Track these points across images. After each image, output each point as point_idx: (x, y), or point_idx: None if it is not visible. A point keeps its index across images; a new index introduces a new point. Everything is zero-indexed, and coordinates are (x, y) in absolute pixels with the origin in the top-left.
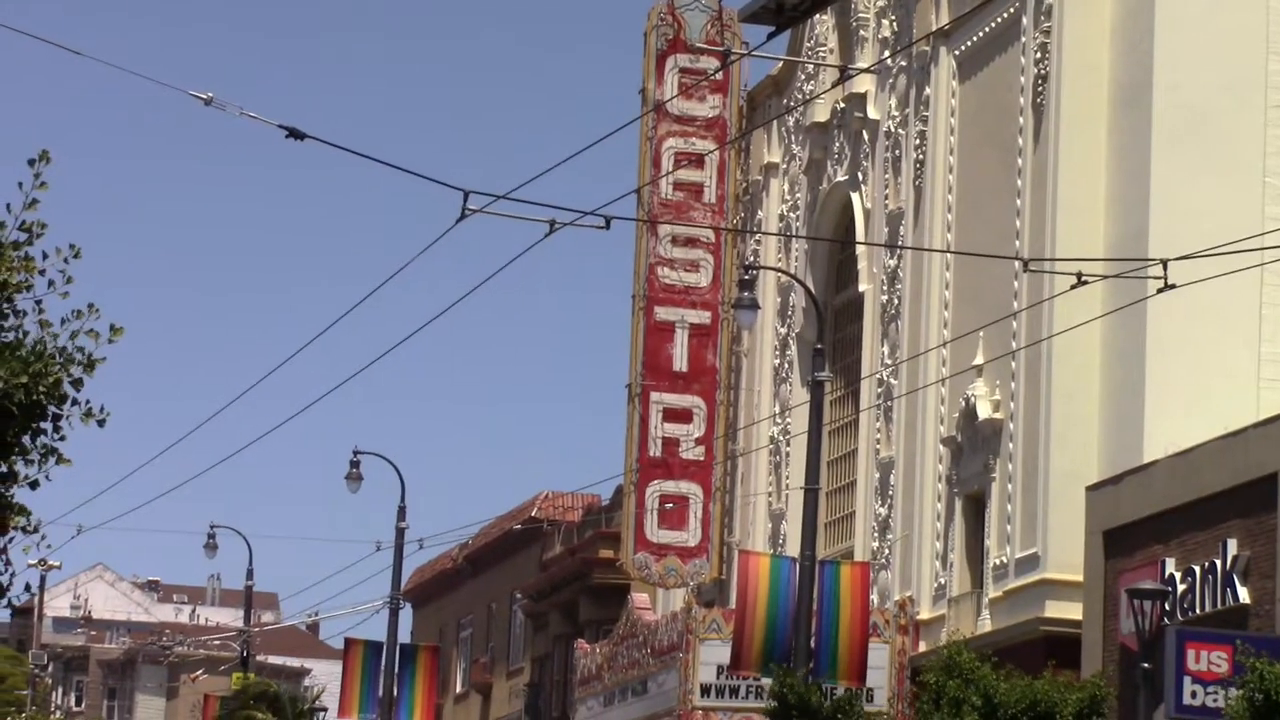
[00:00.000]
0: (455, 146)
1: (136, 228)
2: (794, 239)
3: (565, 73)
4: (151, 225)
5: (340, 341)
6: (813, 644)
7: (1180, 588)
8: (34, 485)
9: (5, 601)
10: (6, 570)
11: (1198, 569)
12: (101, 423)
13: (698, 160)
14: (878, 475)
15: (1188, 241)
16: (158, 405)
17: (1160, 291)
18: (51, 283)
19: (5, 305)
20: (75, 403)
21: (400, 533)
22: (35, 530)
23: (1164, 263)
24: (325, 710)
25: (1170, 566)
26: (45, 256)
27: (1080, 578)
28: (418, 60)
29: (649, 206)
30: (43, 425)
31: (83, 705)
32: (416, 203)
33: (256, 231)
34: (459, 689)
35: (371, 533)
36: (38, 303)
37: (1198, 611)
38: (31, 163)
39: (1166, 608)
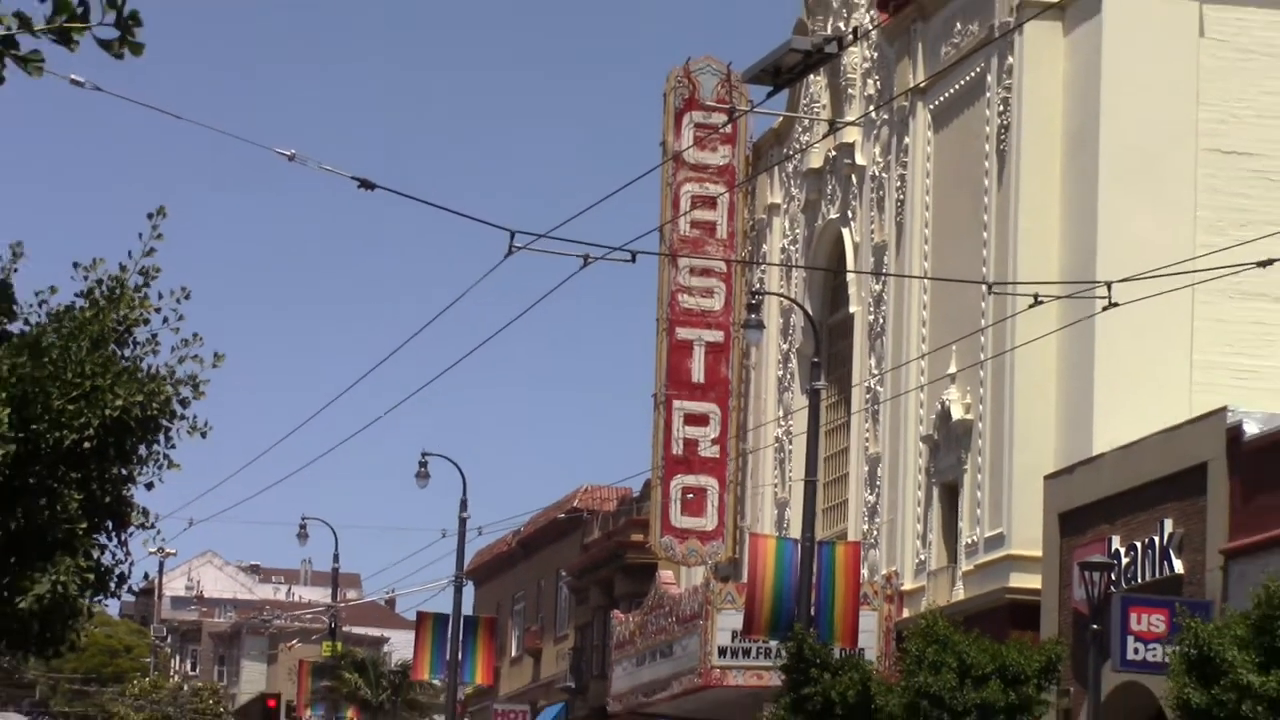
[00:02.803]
0: (501, 190)
1: (229, 259)
2: (793, 268)
3: (596, 127)
4: (242, 257)
5: (411, 358)
6: (812, 612)
7: (1124, 560)
8: (149, 487)
9: (126, 588)
10: (126, 560)
11: (1139, 545)
12: (204, 434)
13: (711, 202)
14: (866, 468)
15: (1130, 266)
16: (255, 413)
17: (1106, 309)
18: (165, 319)
19: (126, 337)
20: (183, 418)
21: (462, 522)
22: (152, 526)
23: (1109, 285)
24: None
25: (1116, 543)
26: (160, 296)
27: (1039, 553)
28: (470, 115)
29: (670, 242)
30: (156, 437)
31: (197, 670)
32: (470, 239)
33: (335, 265)
34: (514, 653)
35: (439, 521)
36: (153, 336)
37: (1139, 580)
38: (150, 216)
39: (1113, 578)
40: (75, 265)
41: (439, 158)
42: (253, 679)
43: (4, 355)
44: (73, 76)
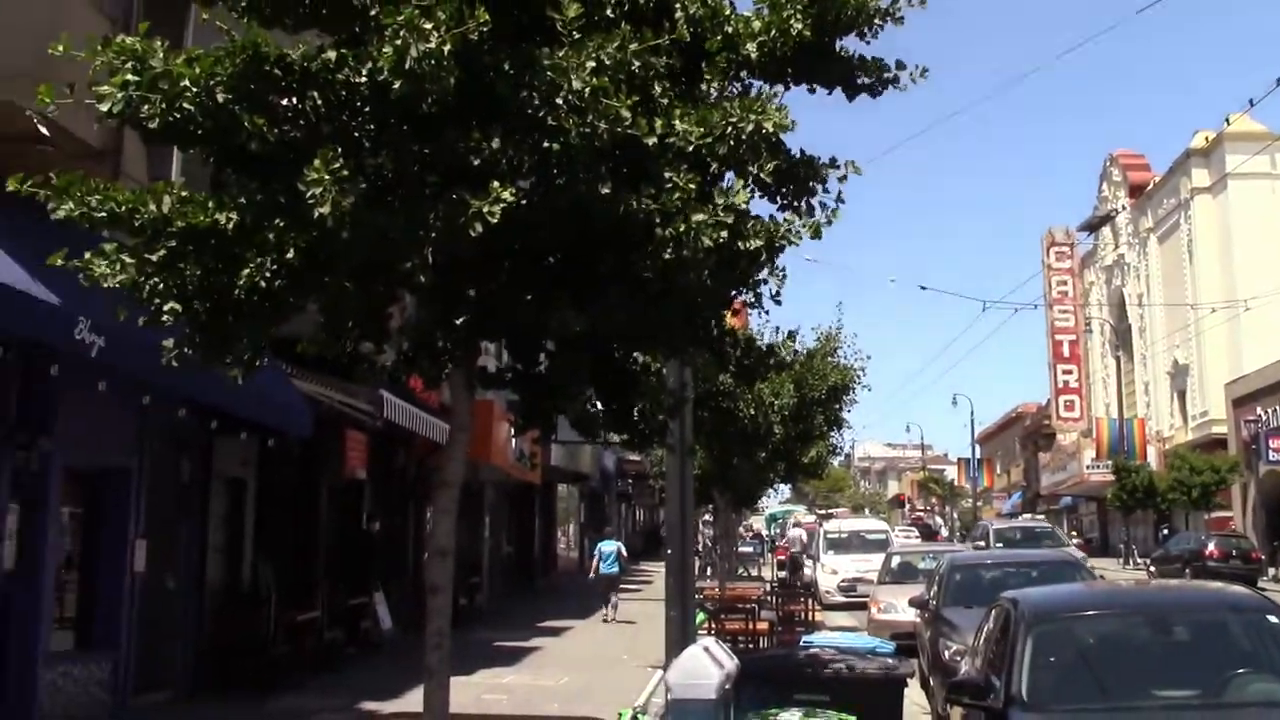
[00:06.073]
0: (974, 280)
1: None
2: (1096, 311)
3: (1015, 252)
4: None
5: (941, 361)
6: (1125, 446)
7: None
8: (848, 413)
9: (844, 453)
10: (841, 442)
11: None
12: (868, 389)
13: (1064, 281)
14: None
15: None
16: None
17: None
18: (847, 344)
19: (832, 352)
20: (858, 384)
21: (972, 424)
22: (849, 426)
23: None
24: None
25: None
26: (844, 336)
27: None
28: (937, 245)
29: (1048, 298)
30: (850, 393)
31: (868, 486)
32: (959, 306)
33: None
34: (1003, 462)
35: (959, 416)
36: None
37: None
38: (838, 304)
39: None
40: (812, 328)
41: (941, 262)
42: (892, 489)
43: (792, 364)
44: (806, 257)
